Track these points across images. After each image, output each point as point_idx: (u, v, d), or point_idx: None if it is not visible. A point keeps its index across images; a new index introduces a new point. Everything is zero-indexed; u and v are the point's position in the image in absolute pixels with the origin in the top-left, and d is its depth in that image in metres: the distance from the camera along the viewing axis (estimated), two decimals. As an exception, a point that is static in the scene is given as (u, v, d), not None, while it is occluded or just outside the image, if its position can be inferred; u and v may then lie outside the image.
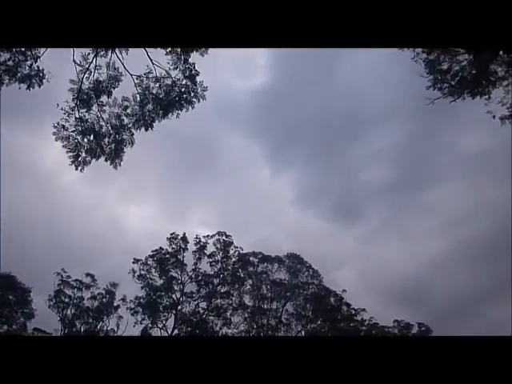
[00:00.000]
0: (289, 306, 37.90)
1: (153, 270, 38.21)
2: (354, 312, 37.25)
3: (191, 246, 38.75)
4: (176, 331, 36.24)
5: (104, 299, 37.76)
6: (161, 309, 36.76)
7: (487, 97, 13.99)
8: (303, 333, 36.87)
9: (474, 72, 13.76)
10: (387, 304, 43.99)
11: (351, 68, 56.95)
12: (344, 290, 37.67)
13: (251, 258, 39.06)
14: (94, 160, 10.43)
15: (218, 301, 37.68)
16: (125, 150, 10.20)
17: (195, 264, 38.39)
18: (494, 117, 14.38)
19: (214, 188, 62.95)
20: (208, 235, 39.13)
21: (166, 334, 35.84)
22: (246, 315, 37.40)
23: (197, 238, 38.88)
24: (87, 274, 37.89)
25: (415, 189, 58.51)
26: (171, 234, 38.99)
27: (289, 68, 60.35)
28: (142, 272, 38.10)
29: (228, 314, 37.19)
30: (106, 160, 10.15)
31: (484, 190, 53.71)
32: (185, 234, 39.08)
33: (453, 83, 14.05)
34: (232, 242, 38.88)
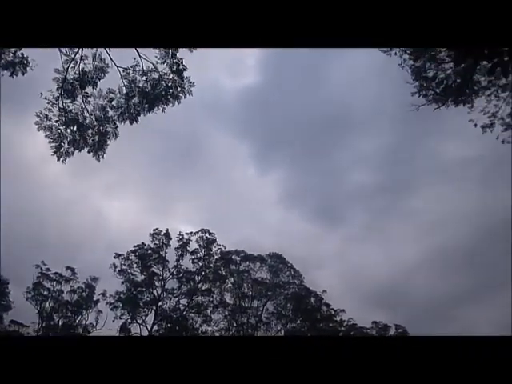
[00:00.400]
0: (269, 305, 38.06)
1: (134, 266, 37.94)
2: (333, 312, 37.61)
3: (174, 243, 38.62)
4: (156, 327, 36.08)
5: (84, 293, 37.34)
6: (141, 304, 36.51)
7: (470, 105, 14.27)
8: (283, 332, 37.05)
9: (458, 80, 14.00)
10: (366, 305, 44.56)
11: (339, 72, 57.48)
12: (324, 291, 38.00)
13: (233, 257, 39.07)
14: (76, 152, 10.31)
15: (199, 298, 37.61)
16: (108, 142, 10.10)
17: (177, 260, 38.26)
18: (475, 125, 14.68)
19: (198, 185, 62.82)
20: (191, 232, 39.07)
21: (146, 330, 35.65)
22: (227, 313, 37.41)
23: (180, 234, 38.77)
24: (67, 268, 37.44)
25: (397, 193, 59.36)
26: (154, 230, 38.78)
27: (278, 69, 60.58)
28: (124, 267, 37.81)
29: (208, 311, 37.16)
30: (88, 152, 10.04)
31: (463, 197, 54.76)
32: (168, 230, 38.92)
33: (437, 91, 14.28)
34: (215, 240, 38.86)
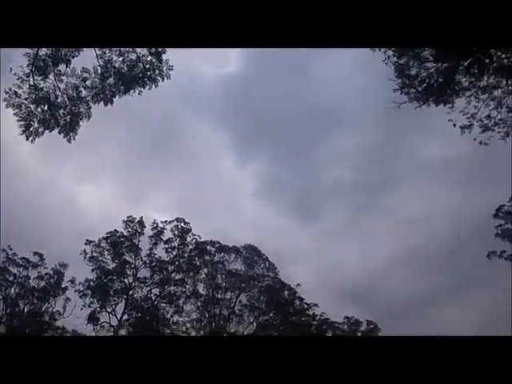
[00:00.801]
0: (243, 296, 38.06)
1: (105, 253, 37.17)
2: (306, 306, 37.91)
3: (147, 231, 38.01)
4: (126, 316, 35.56)
5: (51, 280, 36.36)
6: (111, 293, 35.85)
7: (451, 105, 14.41)
8: (255, 324, 37.19)
9: (440, 80, 14.09)
10: (339, 301, 45.07)
11: (323, 67, 57.43)
12: (298, 285, 38.21)
13: (208, 247, 38.80)
14: (47, 132, 9.84)
15: (172, 288, 37.21)
16: (81, 123, 9.66)
17: (150, 249, 37.69)
18: (454, 125, 14.86)
19: (175, 173, 62.03)
20: (166, 221, 38.51)
21: (115, 319, 35.08)
22: (199, 304, 37.21)
23: (154, 222, 38.17)
24: (35, 253, 36.36)
25: (376, 191, 60.10)
26: (127, 217, 38.04)
27: (261, 60, 60.10)
28: (94, 254, 37.00)
29: (181, 301, 36.85)
30: (59, 132, 9.57)
31: (443, 196, 55.96)
32: (142, 217, 38.25)
33: (419, 89, 14.34)
34: (190, 230, 38.46)
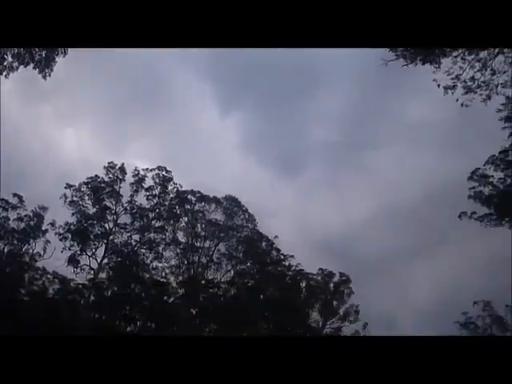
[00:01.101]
0: (221, 246, 38.88)
1: (86, 198, 37.07)
2: (282, 257, 39.01)
3: (129, 178, 37.85)
4: (106, 260, 36.11)
5: (31, 222, 36.32)
6: (91, 237, 36.15)
7: (437, 65, 14.31)
8: (232, 272, 38.28)
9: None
10: (315, 254, 46.43)
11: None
12: (276, 236, 39.05)
13: (189, 196, 39.02)
14: (22, 68, 9.55)
15: (152, 235, 37.67)
16: (57, 59, 9.39)
17: (131, 196, 37.71)
18: (438, 85, 14.85)
19: (158, 122, 60.95)
20: (147, 168, 38.32)
21: (95, 262, 35.62)
22: (178, 251, 37.94)
23: (136, 170, 37.95)
24: (14, 195, 36.01)
25: (357, 150, 60.57)
26: (109, 163, 37.68)
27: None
28: (75, 198, 36.88)
29: (160, 248, 37.47)
30: (34, 68, 9.31)
31: (421, 158, 56.67)
32: (123, 164, 37.93)
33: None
34: (171, 179, 38.43)
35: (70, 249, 35.53)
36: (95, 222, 36.68)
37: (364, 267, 42.56)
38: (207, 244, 38.67)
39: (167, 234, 37.97)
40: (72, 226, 36.12)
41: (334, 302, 38.57)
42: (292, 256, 38.82)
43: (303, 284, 38.98)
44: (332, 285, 38.79)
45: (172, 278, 37.36)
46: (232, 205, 39.51)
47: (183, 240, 38.57)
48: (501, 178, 26.41)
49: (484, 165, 26.98)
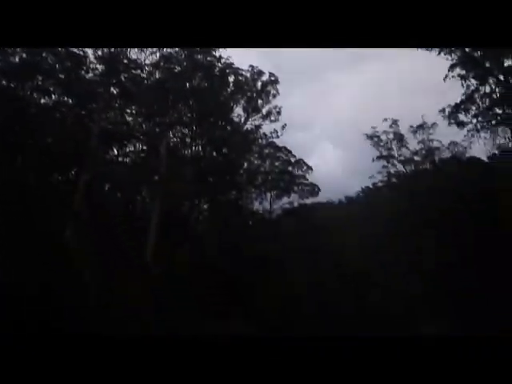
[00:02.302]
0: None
1: None
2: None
3: None
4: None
5: None
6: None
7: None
8: (158, 55, 34.04)
9: None
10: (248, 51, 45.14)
11: None
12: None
13: None
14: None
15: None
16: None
17: None
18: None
19: None
20: None
21: None
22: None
23: None
24: None
25: None
26: None
27: None
28: None
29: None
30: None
31: None
32: None
33: None
34: None
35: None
36: None
37: (294, 72, 40.50)
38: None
39: None
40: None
41: (259, 101, 38.85)
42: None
43: (231, 78, 38.24)
44: (260, 83, 38.84)
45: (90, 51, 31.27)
46: None
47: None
48: None
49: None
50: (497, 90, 30.20)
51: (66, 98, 30.56)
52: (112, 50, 29.40)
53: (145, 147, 34.86)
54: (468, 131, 32.22)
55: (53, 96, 29.61)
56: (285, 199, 43.51)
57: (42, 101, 29.95)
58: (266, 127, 39.07)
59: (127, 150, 35.13)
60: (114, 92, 31.15)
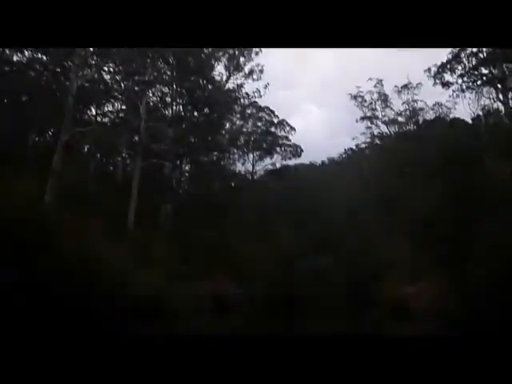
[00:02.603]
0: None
1: None
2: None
3: None
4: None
5: None
6: None
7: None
8: None
9: None
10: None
11: None
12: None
13: None
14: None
15: None
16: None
17: None
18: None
19: None
20: None
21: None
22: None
23: None
24: None
25: None
26: None
27: None
28: None
29: None
30: None
31: None
32: None
33: None
34: None
35: None
36: None
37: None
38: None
39: None
40: None
41: (241, 58, 38.15)
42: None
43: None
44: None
45: None
46: None
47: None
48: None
49: None
50: (483, 49, 29.40)
51: (40, 55, 29.11)
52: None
53: (124, 107, 33.89)
54: (453, 91, 31.97)
55: (26, 53, 28.15)
56: (267, 160, 43.36)
57: (15, 58, 28.58)
58: (249, 86, 38.55)
59: (106, 109, 34.43)
60: (91, 48, 28.43)
